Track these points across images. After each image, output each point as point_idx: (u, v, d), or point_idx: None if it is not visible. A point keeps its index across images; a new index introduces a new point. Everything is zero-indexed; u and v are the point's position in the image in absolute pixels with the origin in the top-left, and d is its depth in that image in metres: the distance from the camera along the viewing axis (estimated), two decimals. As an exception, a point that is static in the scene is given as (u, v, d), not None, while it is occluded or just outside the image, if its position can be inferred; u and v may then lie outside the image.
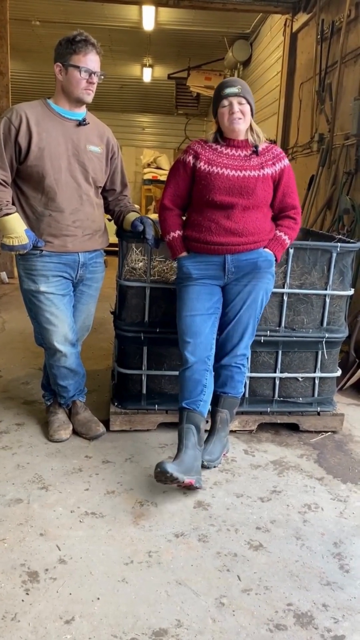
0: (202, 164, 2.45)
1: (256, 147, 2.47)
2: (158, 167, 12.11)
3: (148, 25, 7.96)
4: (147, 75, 11.01)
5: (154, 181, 11.77)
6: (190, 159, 2.49)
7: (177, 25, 8.31)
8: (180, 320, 2.52)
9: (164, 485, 2.42)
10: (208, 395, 2.51)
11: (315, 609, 1.81)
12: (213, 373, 2.55)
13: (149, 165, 12.30)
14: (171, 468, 2.19)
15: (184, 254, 2.52)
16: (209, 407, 2.53)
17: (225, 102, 2.40)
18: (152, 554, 2.02)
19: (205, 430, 2.55)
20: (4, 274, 6.52)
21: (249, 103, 2.42)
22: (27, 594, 1.80)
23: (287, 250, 2.74)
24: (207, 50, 9.33)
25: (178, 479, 2.20)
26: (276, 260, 2.54)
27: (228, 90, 2.39)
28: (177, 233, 2.54)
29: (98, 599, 1.80)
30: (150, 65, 10.69)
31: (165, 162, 11.99)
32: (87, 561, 1.96)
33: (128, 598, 1.81)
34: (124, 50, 9.69)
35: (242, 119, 2.41)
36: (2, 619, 1.70)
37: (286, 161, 2.53)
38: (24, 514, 2.20)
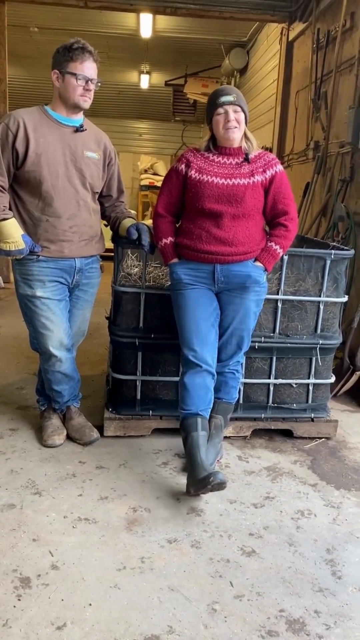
0: (193, 172, 2.47)
1: (247, 154, 2.47)
2: (155, 173, 12.17)
3: (146, 32, 8.02)
4: (145, 82, 11.07)
5: (150, 187, 11.82)
6: (183, 167, 2.51)
7: (174, 33, 8.37)
8: (183, 327, 2.52)
9: (158, 491, 2.43)
10: (212, 404, 2.55)
11: (307, 615, 1.82)
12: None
13: (146, 171, 12.36)
14: (224, 476, 2.25)
15: (175, 260, 2.54)
16: None
17: (221, 110, 2.41)
18: (145, 559, 2.02)
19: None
20: (-1, 279, 6.53)
21: (243, 111, 2.44)
22: (19, 599, 1.80)
23: (282, 257, 2.75)
24: (204, 57, 9.40)
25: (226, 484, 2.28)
26: (267, 271, 2.54)
27: (224, 99, 2.40)
28: (169, 240, 2.55)
29: (90, 604, 1.80)
30: (147, 72, 10.75)
31: (162, 168, 12.05)
32: (80, 567, 1.96)
33: (120, 604, 1.81)
34: (121, 57, 9.74)
35: (237, 128, 2.42)
36: (-7, 624, 1.70)
37: (278, 167, 2.51)
38: (17, 519, 2.20)
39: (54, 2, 5.92)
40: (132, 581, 1.91)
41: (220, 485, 2.24)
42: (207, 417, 2.49)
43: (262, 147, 2.57)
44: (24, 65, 10.26)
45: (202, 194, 2.43)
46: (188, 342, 2.49)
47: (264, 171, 2.47)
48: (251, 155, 2.48)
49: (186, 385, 2.48)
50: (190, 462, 2.36)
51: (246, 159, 2.47)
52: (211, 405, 2.52)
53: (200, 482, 2.25)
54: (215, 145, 2.51)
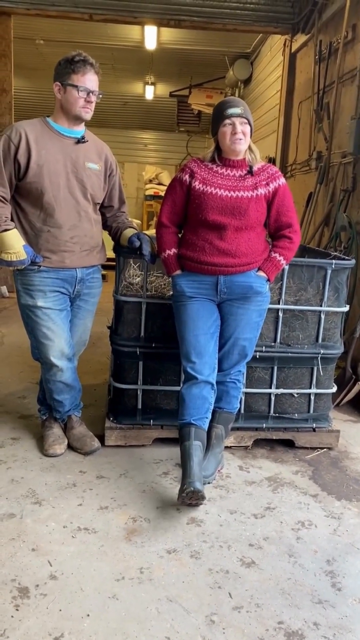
0: (197, 183, 2.48)
1: (251, 167, 2.48)
2: (160, 183, 12.24)
3: (150, 44, 8.09)
4: (150, 92, 11.15)
5: (155, 197, 11.89)
6: (187, 177, 2.52)
7: (179, 45, 8.43)
8: (183, 339, 2.53)
9: (158, 501, 2.43)
10: (210, 414, 2.54)
11: (306, 627, 1.80)
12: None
13: (150, 181, 12.43)
14: (201, 486, 2.24)
15: (178, 272, 2.55)
16: None
17: (228, 122, 2.41)
18: (144, 570, 2.01)
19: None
20: (4, 288, 6.56)
21: (249, 123, 2.45)
22: (17, 609, 1.80)
23: (285, 265, 2.75)
24: (208, 68, 9.46)
25: (204, 497, 2.26)
26: (269, 281, 2.55)
27: (231, 111, 2.41)
28: (173, 251, 2.56)
29: (88, 615, 1.79)
30: (152, 83, 10.83)
31: (167, 178, 12.12)
32: (78, 577, 1.96)
33: (118, 615, 1.80)
34: (126, 69, 9.83)
35: (243, 140, 2.43)
36: (-9, 634, 1.69)
37: (281, 180, 2.52)
38: (17, 528, 2.20)
39: (60, 15, 5.98)
40: (130, 592, 1.90)
41: (194, 494, 2.23)
42: (204, 426, 2.49)
43: (266, 157, 2.58)
44: (29, 77, 10.36)
45: (205, 205, 2.45)
46: (186, 354, 2.51)
47: (267, 184, 2.48)
48: (255, 168, 2.50)
49: (182, 396, 2.51)
50: (182, 471, 2.38)
51: (250, 172, 2.49)
52: (208, 415, 2.52)
53: (180, 490, 2.27)
54: (220, 156, 2.52)
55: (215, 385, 2.54)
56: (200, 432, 2.46)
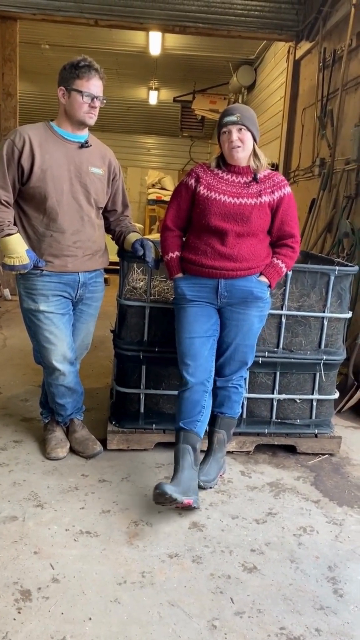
0: (201, 188, 2.49)
1: (255, 174, 2.49)
2: (162, 188, 12.27)
3: (155, 50, 8.13)
4: (153, 98, 11.20)
5: (158, 201, 11.92)
6: (192, 182, 2.53)
7: (183, 51, 8.48)
8: (179, 342, 2.54)
9: (160, 506, 2.42)
10: (206, 417, 2.53)
11: (308, 633, 1.80)
12: (212, 395, 2.57)
13: (153, 185, 12.46)
14: (170, 489, 2.20)
15: (180, 275, 2.56)
16: (206, 428, 2.54)
17: (225, 130, 2.43)
18: (146, 574, 2.01)
19: (202, 451, 2.56)
20: (6, 291, 6.58)
21: (249, 130, 2.44)
22: (19, 612, 1.80)
23: (286, 272, 2.76)
24: (212, 74, 9.50)
25: (177, 500, 2.21)
26: (270, 287, 2.55)
27: (227, 119, 2.43)
28: (176, 254, 2.57)
29: (90, 619, 1.79)
30: (156, 89, 10.88)
31: (170, 183, 12.15)
32: (80, 580, 1.96)
33: (120, 619, 1.80)
34: (130, 74, 9.88)
35: (240, 147, 2.43)
36: (-7, 637, 1.69)
37: (287, 189, 2.52)
38: (19, 531, 2.20)
39: (65, 20, 6.02)
40: (132, 596, 1.90)
41: (159, 496, 2.19)
42: (195, 429, 2.46)
43: (269, 164, 2.58)
44: (34, 81, 10.42)
45: (209, 210, 2.46)
46: (181, 356, 2.52)
47: (272, 192, 2.48)
48: (260, 175, 2.50)
49: (178, 400, 2.53)
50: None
51: (254, 179, 2.49)
52: (201, 417, 2.49)
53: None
54: (225, 162, 2.53)
55: (209, 388, 2.53)
56: (188, 435, 2.44)
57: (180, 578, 2.01)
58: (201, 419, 2.49)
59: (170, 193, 2.65)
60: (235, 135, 2.42)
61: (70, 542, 2.16)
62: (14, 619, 1.77)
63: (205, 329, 2.51)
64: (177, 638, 1.74)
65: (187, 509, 2.35)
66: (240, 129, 2.42)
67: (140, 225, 10.77)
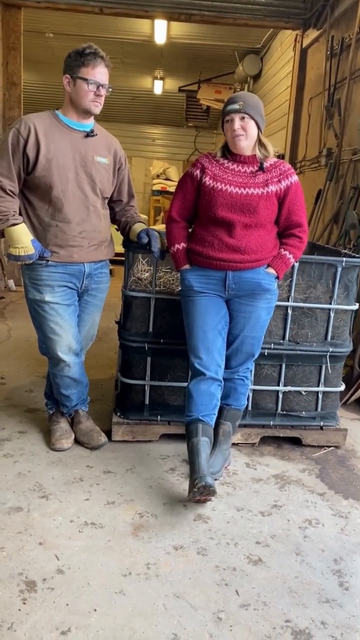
0: (207, 179, 2.46)
1: (262, 163, 2.45)
2: (167, 179, 12.20)
3: (160, 38, 8.06)
4: (158, 87, 11.12)
5: (162, 192, 11.85)
6: (198, 172, 2.50)
7: (188, 39, 8.39)
8: (191, 334, 2.52)
9: (165, 497, 2.42)
10: (217, 410, 2.53)
11: (313, 626, 1.80)
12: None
13: (158, 176, 12.39)
14: (211, 481, 2.24)
15: (187, 266, 2.53)
16: None
17: (227, 119, 2.40)
18: (151, 566, 2.01)
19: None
20: (11, 282, 6.56)
21: (253, 118, 2.39)
22: (24, 603, 1.80)
23: (294, 263, 2.74)
24: (217, 64, 9.42)
25: (216, 492, 2.26)
26: (278, 278, 2.53)
27: (229, 107, 2.39)
28: (182, 245, 2.55)
29: (95, 610, 1.79)
30: (161, 78, 10.80)
31: (175, 174, 12.08)
32: (85, 572, 1.96)
33: (125, 610, 1.80)
34: (135, 63, 9.80)
35: (242, 136, 2.39)
36: (-2, 628, 1.70)
37: (294, 178, 2.48)
38: (24, 522, 2.20)
39: (70, 8, 5.96)
40: (137, 587, 1.90)
41: (206, 489, 2.22)
42: (211, 423, 2.47)
43: (276, 153, 2.54)
44: (38, 70, 10.35)
45: (215, 202, 2.42)
46: (194, 349, 2.50)
47: (279, 181, 2.44)
48: (266, 164, 2.46)
49: (190, 392, 2.49)
50: (190, 468, 2.36)
51: (261, 168, 2.45)
52: (216, 412, 2.51)
53: (190, 486, 2.26)
54: (230, 151, 2.50)
55: (222, 382, 2.53)
56: (207, 428, 2.45)
57: (185, 570, 2.00)
58: (215, 412, 2.51)
59: (175, 184, 2.62)
60: (237, 123, 2.38)
61: (75, 534, 2.16)
62: (19, 610, 1.77)
63: (216, 321, 2.49)
64: (183, 630, 1.74)
65: (198, 501, 2.37)
66: (243, 117, 2.38)
67: (145, 216, 10.72)
